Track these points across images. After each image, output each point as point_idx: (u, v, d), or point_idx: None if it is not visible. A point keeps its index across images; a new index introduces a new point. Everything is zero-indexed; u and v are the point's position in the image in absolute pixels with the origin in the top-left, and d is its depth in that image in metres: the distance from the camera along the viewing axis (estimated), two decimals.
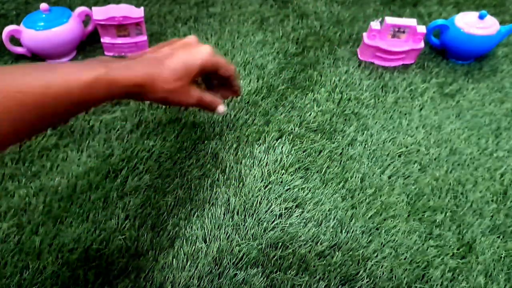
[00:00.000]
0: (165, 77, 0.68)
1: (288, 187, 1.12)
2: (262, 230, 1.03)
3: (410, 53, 1.46)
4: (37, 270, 0.93)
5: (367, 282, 0.96)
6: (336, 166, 1.17)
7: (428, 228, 1.06)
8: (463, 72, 1.49)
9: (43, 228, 1.00)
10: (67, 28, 1.34)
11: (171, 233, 1.02)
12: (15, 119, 0.52)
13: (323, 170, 1.16)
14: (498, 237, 1.05)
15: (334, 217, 1.06)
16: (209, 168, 1.15)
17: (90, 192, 1.07)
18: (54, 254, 0.96)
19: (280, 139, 1.23)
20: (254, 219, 1.05)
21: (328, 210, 1.08)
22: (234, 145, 1.21)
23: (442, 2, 1.79)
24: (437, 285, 0.97)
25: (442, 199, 1.12)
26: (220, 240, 1.01)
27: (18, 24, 1.35)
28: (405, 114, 1.33)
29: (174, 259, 0.97)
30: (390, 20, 1.40)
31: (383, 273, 0.98)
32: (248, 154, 1.19)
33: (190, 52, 0.72)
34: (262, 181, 1.13)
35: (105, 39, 1.41)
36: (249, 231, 1.03)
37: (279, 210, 1.07)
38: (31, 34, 1.31)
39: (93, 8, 1.36)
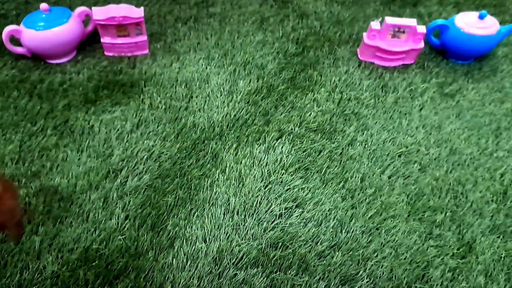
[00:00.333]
0: None
1: (288, 187, 1.12)
2: (262, 230, 1.03)
3: (410, 53, 1.46)
4: (37, 270, 0.93)
5: (367, 282, 0.96)
6: (336, 166, 1.17)
7: (428, 228, 1.06)
8: (463, 72, 1.49)
9: (43, 228, 1.00)
10: (67, 28, 1.34)
11: (171, 233, 1.02)
12: None
13: (323, 170, 1.16)
14: (498, 237, 1.05)
15: (334, 217, 1.06)
16: (209, 168, 1.15)
17: (90, 192, 1.07)
18: (54, 254, 0.96)
19: (280, 139, 1.23)
20: (254, 219, 1.05)
21: (328, 210, 1.08)
22: (234, 145, 1.21)
23: (442, 2, 1.79)
24: (437, 285, 0.97)
25: (442, 199, 1.12)
26: (220, 240, 1.01)
27: (18, 24, 1.35)
28: (405, 114, 1.33)
29: (174, 259, 0.97)
30: (390, 20, 1.40)
31: (383, 273, 0.98)
32: (248, 154, 1.19)
33: None
34: (262, 181, 1.13)
35: (105, 39, 1.41)
36: (249, 231, 1.03)
37: (279, 210, 1.07)
38: (31, 34, 1.31)
39: (93, 8, 1.36)
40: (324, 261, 0.99)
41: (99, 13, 1.34)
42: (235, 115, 1.28)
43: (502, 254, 1.02)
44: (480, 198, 1.12)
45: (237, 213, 1.06)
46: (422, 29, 1.41)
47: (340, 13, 1.70)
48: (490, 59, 1.54)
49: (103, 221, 1.02)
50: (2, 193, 0.78)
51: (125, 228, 1.01)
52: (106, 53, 1.45)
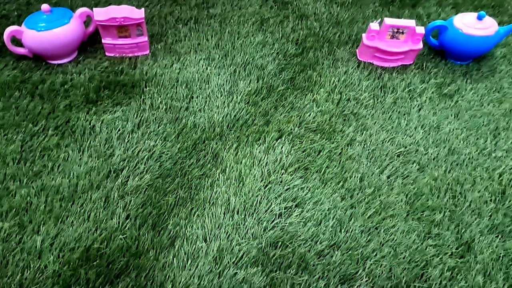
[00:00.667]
0: None
1: (288, 186, 1.13)
2: (262, 229, 1.04)
3: (409, 53, 1.47)
4: (38, 269, 0.94)
5: (366, 281, 0.97)
6: (335, 166, 1.18)
7: (427, 228, 1.07)
8: (462, 73, 1.50)
9: (44, 228, 1.00)
10: (68, 29, 1.35)
11: (171, 232, 1.02)
12: None
13: (323, 170, 1.17)
14: (497, 236, 1.06)
15: (334, 217, 1.07)
16: (209, 168, 1.16)
17: (91, 191, 1.08)
18: (55, 254, 0.96)
19: (280, 139, 1.24)
20: (254, 219, 1.05)
21: (328, 210, 1.08)
22: (234, 145, 1.22)
23: (441, 3, 1.80)
24: (436, 284, 0.97)
25: (440, 198, 1.13)
26: (220, 240, 1.01)
27: (20, 24, 1.36)
28: (404, 114, 1.34)
29: (174, 258, 0.98)
30: (389, 21, 1.41)
31: (382, 272, 0.99)
32: (248, 154, 1.19)
33: None
34: (262, 181, 1.13)
35: (106, 40, 1.42)
36: (249, 230, 1.03)
37: (279, 210, 1.08)
38: (33, 35, 1.32)
39: (94, 9, 1.36)
40: (324, 260, 0.99)
41: (100, 14, 1.35)
42: (235, 116, 1.29)
43: (500, 253, 1.03)
44: (478, 198, 1.13)
45: (237, 213, 1.06)
46: (421, 29, 1.42)
47: (339, 14, 1.71)
48: (489, 60, 1.55)
49: (104, 220, 1.03)
50: None
51: (126, 228, 1.02)
52: (107, 54, 1.46)
